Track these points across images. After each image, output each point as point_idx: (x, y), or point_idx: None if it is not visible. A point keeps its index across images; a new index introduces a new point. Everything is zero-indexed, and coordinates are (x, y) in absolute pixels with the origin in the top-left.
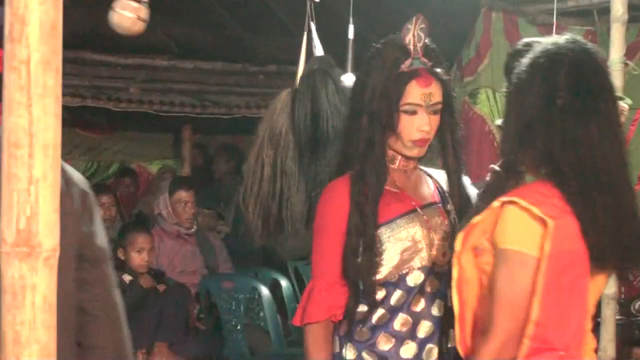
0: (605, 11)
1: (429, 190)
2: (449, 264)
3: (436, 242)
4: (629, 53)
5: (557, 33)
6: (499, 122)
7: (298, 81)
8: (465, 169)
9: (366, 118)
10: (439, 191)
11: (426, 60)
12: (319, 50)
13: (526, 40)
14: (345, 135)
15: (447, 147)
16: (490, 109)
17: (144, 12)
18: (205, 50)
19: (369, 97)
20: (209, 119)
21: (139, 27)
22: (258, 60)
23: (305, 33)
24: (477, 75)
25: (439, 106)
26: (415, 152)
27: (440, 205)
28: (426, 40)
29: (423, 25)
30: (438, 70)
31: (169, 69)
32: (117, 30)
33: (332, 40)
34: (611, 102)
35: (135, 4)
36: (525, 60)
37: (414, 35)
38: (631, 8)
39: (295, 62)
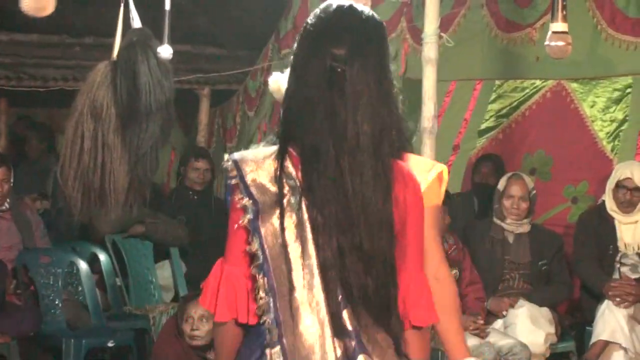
0: None
1: None
2: None
3: None
4: (444, 25)
5: (372, 3)
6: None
7: (116, 53)
8: None
9: None
10: None
11: None
12: (136, 22)
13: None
14: None
15: None
16: None
17: None
18: (20, 22)
19: None
20: (25, 92)
21: None
22: (75, 32)
23: (122, 4)
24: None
25: None
26: None
27: None
28: None
29: None
30: None
31: None
32: None
33: (147, 11)
34: None
35: None
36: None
37: None
38: None
39: (113, 34)
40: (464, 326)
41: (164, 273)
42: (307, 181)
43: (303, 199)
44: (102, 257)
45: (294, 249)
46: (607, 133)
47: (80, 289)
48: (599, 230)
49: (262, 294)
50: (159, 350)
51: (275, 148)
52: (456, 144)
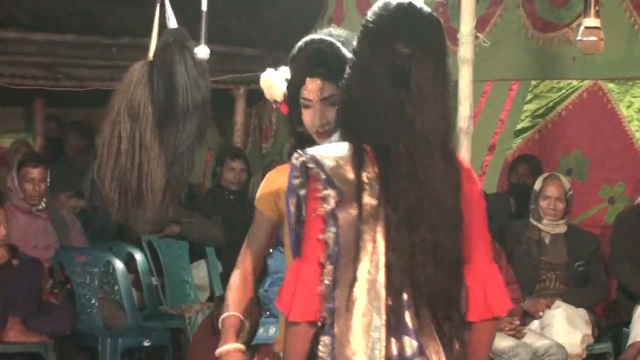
0: None
1: None
2: None
3: None
4: (479, 25)
5: None
6: None
7: (152, 54)
8: None
9: None
10: None
11: None
12: (172, 22)
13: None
14: None
15: None
16: None
17: None
18: (56, 22)
19: None
20: (62, 92)
21: None
22: (111, 33)
23: (158, 4)
24: None
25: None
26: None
27: None
28: None
29: None
30: None
31: (19, 41)
32: None
33: (184, 11)
34: None
35: None
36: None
37: None
38: None
39: (149, 35)
40: (500, 327)
41: (199, 273)
42: (383, 178)
43: (380, 194)
44: (138, 256)
45: (366, 243)
46: None
47: (116, 288)
48: (636, 230)
49: (326, 281)
50: (195, 350)
51: (345, 145)
52: (492, 144)
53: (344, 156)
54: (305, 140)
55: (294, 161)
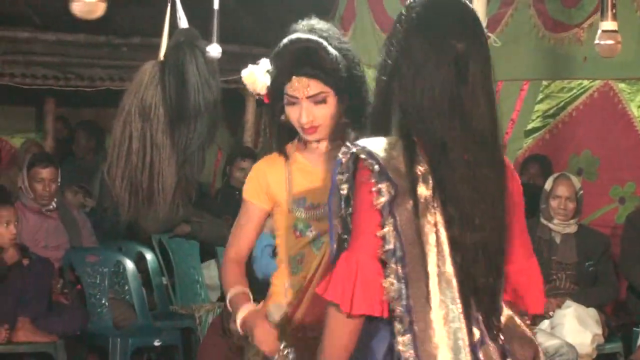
0: None
1: None
2: None
3: None
4: (491, 26)
5: None
6: None
7: (163, 53)
8: None
9: None
10: None
11: None
12: (183, 22)
13: None
14: None
15: None
16: None
17: None
18: (67, 22)
19: None
20: (73, 92)
21: None
22: (122, 32)
23: (169, 4)
24: None
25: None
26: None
27: None
28: None
29: None
30: None
31: (30, 41)
32: None
33: (195, 11)
34: None
35: None
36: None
37: None
38: None
39: (159, 34)
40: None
41: (210, 272)
42: (437, 174)
43: (434, 188)
44: (149, 256)
45: (427, 237)
46: None
47: (126, 288)
48: None
49: (392, 279)
50: (205, 350)
51: (394, 138)
52: (503, 144)
53: (396, 149)
54: (286, 130)
55: (340, 156)
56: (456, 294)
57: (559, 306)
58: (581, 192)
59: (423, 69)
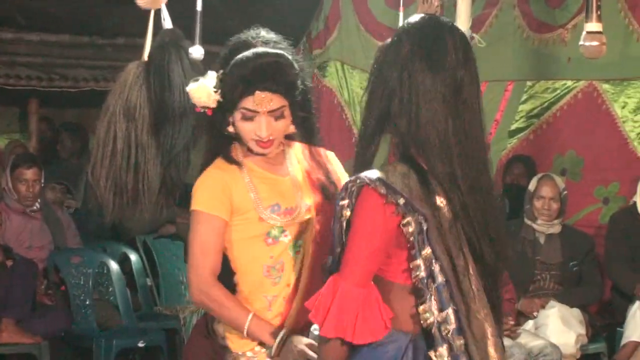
0: None
1: None
2: None
3: None
4: (475, 26)
5: (404, 6)
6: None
7: (148, 54)
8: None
9: None
10: None
11: None
12: (167, 23)
13: None
14: None
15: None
16: (339, 82)
17: None
18: (52, 23)
19: None
20: (57, 93)
21: None
22: (106, 33)
23: None
24: (326, 49)
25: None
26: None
27: None
28: None
29: None
30: None
31: (14, 41)
32: None
33: (179, 11)
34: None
35: None
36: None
37: None
38: None
39: (144, 35)
40: None
41: None
42: (454, 203)
43: (451, 209)
44: (133, 257)
45: (459, 261)
46: (638, 134)
47: (110, 289)
48: (630, 231)
49: (433, 307)
50: (189, 351)
51: (404, 167)
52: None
53: (411, 179)
54: (226, 142)
55: (349, 185)
56: (490, 313)
57: (543, 306)
58: (565, 192)
59: (429, 103)
